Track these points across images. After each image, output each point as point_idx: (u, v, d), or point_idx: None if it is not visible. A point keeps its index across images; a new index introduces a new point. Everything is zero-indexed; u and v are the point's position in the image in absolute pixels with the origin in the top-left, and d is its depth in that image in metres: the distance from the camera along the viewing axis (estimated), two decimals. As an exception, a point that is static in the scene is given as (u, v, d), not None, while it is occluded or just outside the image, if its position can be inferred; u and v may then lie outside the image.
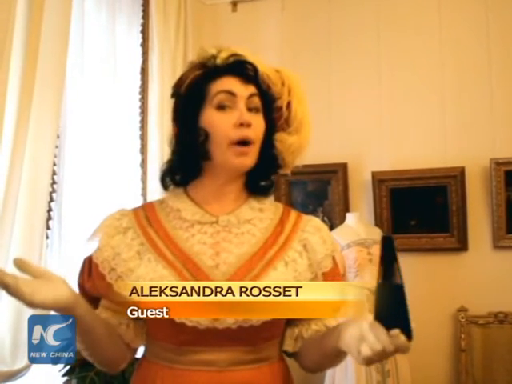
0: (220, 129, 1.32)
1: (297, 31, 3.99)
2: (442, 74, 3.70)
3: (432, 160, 3.63)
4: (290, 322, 1.40)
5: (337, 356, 1.30)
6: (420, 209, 3.70)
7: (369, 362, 1.08)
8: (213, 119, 1.34)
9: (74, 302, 1.19)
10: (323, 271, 1.39)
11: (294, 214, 1.46)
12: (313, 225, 1.44)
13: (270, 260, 1.33)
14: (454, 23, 3.72)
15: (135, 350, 1.43)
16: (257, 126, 1.34)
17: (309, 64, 3.82)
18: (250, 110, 1.34)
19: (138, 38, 3.43)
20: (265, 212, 1.42)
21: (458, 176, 3.57)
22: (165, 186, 1.44)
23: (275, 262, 1.33)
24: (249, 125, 1.31)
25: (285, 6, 4.03)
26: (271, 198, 1.49)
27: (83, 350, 1.31)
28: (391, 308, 1.08)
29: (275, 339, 1.38)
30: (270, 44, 3.86)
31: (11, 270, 2.15)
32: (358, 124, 3.82)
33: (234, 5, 3.92)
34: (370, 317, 1.08)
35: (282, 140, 1.41)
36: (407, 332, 1.05)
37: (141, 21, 3.44)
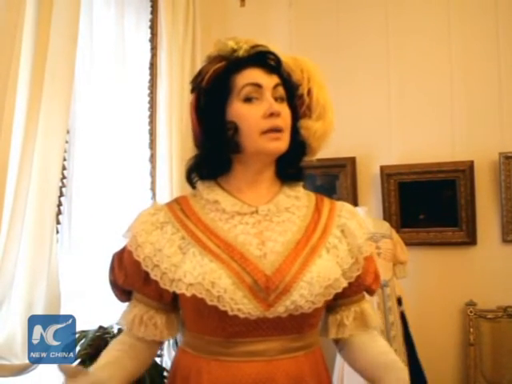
0: (250, 121, 1.33)
1: (305, 25, 3.98)
2: (451, 68, 3.69)
3: (441, 154, 3.63)
4: (331, 310, 1.44)
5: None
6: (428, 203, 3.70)
7: None
8: (241, 112, 1.34)
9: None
10: (364, 255, 1.42)
11: (326, 200, 1.49)
12: (347, 210, 1.47)
13: (314, 247, 1.35)
14: (462, 15, 3.71)
15: (162, 343, 1.45)
16: (285, 115, 1.36)
17: (317, 58, 3.74)
18: (275, 99, 1.35)
19: (146, 34, 3.43)
20: (301, 200, 1.44)
21: (466, 170, 3.57)
22: (190, 182, 1.44)
23: (319, 249, 1.35)
24: (278, 114, 1.33)
25: (293, 0, 4.03)
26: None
27: None
28: None
29: (317, 326, 1.42)
30: (279, 38, 3.85)
31: (20, 265, 2.17)
32: (367, 118, 3.82)
33: (242, -1, 3.91)
34: None
35: (307, 127, 1.43)
36: None
37: (149, 16, 3.44)
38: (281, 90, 1.38)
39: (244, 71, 1.37)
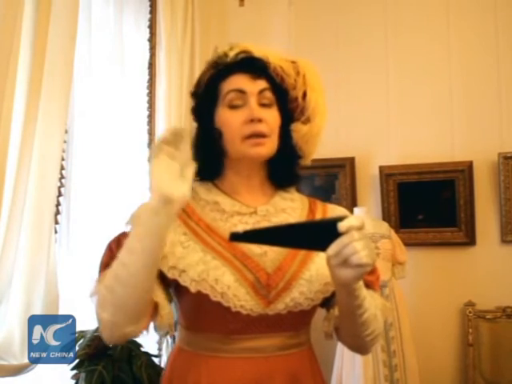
0: (232, 126, 1.35)
1: (304, 25, 3.98)
2: (450, 68, 3.69)
3: (440, 154, 3.63)
4: (330, 309, 1.44)
5: (353, 310, 1.29)
6: (428, 203, 3.70)
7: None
8: (225, 118, 1.37)
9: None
10: None
11: (319, 203, 1.51)
12: (340, 211, 1.50)
13: None
14: (462, 14, 3.71)
15: (148, 325, 1.33)
16: (270, 121, 1.36)
17: (316, 58, 3.73)
18: (262, 105, 1.37)
19: (145, 33, 3.43)
20: (295, 202, 1.46)
21: (465, 170, 3.57)
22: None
23: None
24: (260, 120, 1.34)
25: (292, 0, 4.03)
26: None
27: (127, 277, 1.18)
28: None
29: (310, 323, 1.44)
30: (278, 38, 3.86)
31: (18, 265, 2.17)
32: (366, 118, 3.82)
33: (242, -1, 3.91)
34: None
35: (297, 130, 1.44)
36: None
37: (148, 16, 3.44)
38: (268, 95, 1.39)
39: (230, 78, 1.39)
